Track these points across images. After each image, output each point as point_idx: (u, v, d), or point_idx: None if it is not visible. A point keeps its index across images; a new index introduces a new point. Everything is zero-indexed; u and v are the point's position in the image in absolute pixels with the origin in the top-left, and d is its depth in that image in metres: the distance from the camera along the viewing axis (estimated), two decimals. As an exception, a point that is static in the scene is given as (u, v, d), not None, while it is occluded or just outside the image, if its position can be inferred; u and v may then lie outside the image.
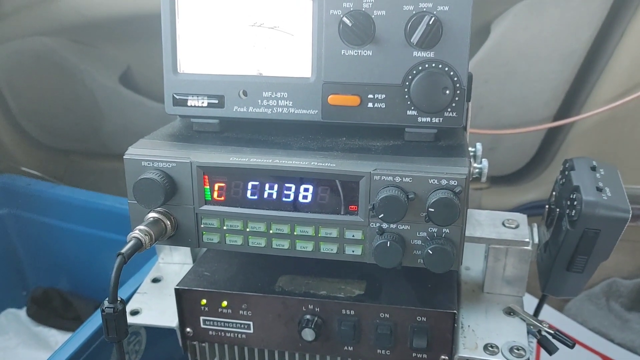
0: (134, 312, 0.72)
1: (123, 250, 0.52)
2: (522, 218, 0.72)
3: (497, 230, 0.69)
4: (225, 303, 0.66)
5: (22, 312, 1.09)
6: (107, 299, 0.52)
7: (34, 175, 1.07)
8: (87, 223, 1.03)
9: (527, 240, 0.68)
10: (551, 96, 1.04)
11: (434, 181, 0.51)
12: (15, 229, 1.08)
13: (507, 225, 0.70)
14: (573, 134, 1.07)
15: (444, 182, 0.51)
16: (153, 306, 0.74)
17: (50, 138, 1.34)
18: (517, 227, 0.70)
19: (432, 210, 0.50)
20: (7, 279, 1.10)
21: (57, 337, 1.04)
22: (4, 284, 1.10)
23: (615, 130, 1.04)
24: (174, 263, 0.81)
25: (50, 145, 1.35)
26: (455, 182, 0.51)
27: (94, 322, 0.77)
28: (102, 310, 0.51)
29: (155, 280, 0.78)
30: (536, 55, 1.00)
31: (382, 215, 0.51)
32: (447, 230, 0.53)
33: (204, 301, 0.67)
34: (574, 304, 1.15)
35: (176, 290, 0.68)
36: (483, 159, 0.66)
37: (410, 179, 0.52)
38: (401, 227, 0.53)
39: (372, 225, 0.54)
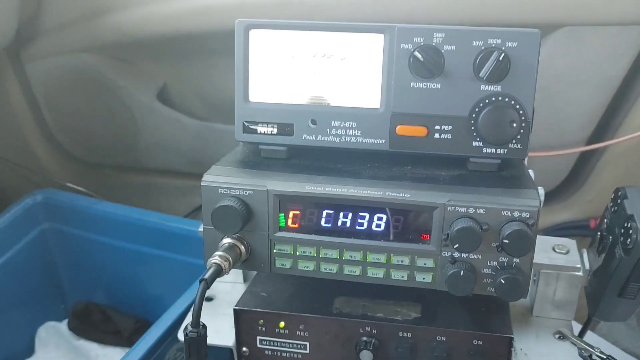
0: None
1: (206, 277, 0.54)
2: (571, 244, 0.74)
3: (548, 255, 0.71)
4: (282, 324, 0.68)
5: (62, 325, 1.10)
6: (189, 322, 0.53)
7: (78, 191, 1.08)
8: (128, 239, 1.05)
9: (579, 266, 0.69)
10: (586, 120, 1.06)
11: (506, 213, 0.53)
12: (56, 243, 1.09)
13: (557, 250, 0.72)
14: (606, 157, 1.08)
15: (516, 214, 0.53)
16: (208, 325, 0.75)
17: (85, 152, 1.36)
18: (567, 252, 0.72)
19: (507, 241, 0.52)
20: (48, 292, 1.11)
21: (97, 351, 1.05)
22: (45, 297, 1.11)
23: (649, 155, 1.06)
24: (226, 282, 0.82)
25: (84, 159, 1.37)
26: (527, 214, 0.53)
27: (147, 341, 0.78)
28: (186, 335, 0.53)
29: (208, 299, 0.80)
30: (573, 80, 1.02)
31: (457, 245, 0.53)
32: (518, 260, 0.54)
33: (261, 321, 0.68)
34: (605, 324, 1.17)
35: (235, 310, 0.69)
36: (539, 187, 0.68)
37: (483, 211, 0.53)
38: (473, 257, 0.55)
39: (444, 254, 0.56)
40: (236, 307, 0.69)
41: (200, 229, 0.69)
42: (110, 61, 1.21)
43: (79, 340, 1.07)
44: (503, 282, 0.53)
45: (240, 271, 0.81)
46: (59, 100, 1.28)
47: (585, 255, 0.73)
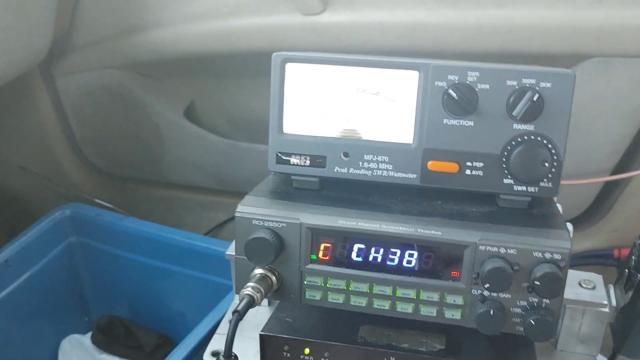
0: (215, 354, 0.74)
1: (239, 308, 0.55)
2: (598, 279, 0.73)
3: (574, 290, 0.71)
4: (307, 350, 0.68)
5: (86, 339, 1.12)
6: (222, 352, 0.54)
7: (105, 206, 1.10)
8: (153, 255, 1.06)
9: (605, 302, 0.69)
10: (611, 150, 1.06)
11: (538, 254, 0.54)
12: (82, 257, 1.11)
13: (584, 285, 0.72)
14: (631, 187, 1.08)
15: (548, 255, 0.53)
16: (233, 348, 0.76)
17: (111, 165, 1.38)
18: (594, 288, 0.72)
19: (538, 283, 0.52)
20: (72, 305, 1.13)
21: (119, 365, 1.07)
22: (69, 309, 1.13)
23: (675, 186, 1.05)
24: (251, 305, 0.83)
25: (110, 172, 1.39)
26: (559, 256, 0.53)
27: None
28: (218, 365, 0.54)
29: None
30: (600, 110, 1.02)
31: (487, 285, 0.53)
32: (548, 301, 0.55)
33: (286, 347, 0.69)
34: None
35: (261, 336, 0.70)
36: (568, 223, 0.68)
37: (514, 251, 0.54)
38: (503, 296, 0.55)
39: (473, 292, 0.56)
40: (262, 333, 0.70)
41: (229, 252, 0.70)
42: (139, 78, 1.23)
43: (102, 354, 1.09)
44: (533, 322, 0.54)
45: (264, 294, 0.82)
46: (88, 115, 1.30)
47: (612, 291, 0.72)
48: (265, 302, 0.82)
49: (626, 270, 0.74)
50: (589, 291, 0.71)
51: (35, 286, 1.04)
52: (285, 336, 0.69)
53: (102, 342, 1.09)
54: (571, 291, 0.71)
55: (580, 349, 0.72)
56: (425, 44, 1.00)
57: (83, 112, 1.30)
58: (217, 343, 0.76)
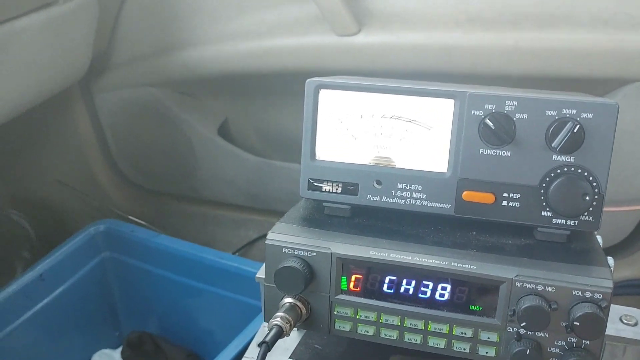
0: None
1: (267, 339, 0.54)
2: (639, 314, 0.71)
3: (615, 326, 0.68)
4: (335, 379, 0.67)
5: (116, 354, 1.13)
6: (250, 383, 0.54)
7: (139, 223, 1.11)
8: (184, 273, 1.07)
9: (648, 340, 0.66)
10: (655, 176, 1.02)
11: (577, 293, 0.52)
12: (115, 272, 1.12)
13: (625, 321, 0.69)
14: (675, 215, 1.04)
15: (588, 294, 0.51)
16: (261, 372, 0.75)
17: (145, 180, 1.40)
18: (635, 324, 0.69)
19: (577, 324, 0.50)
20: (104, 320, 1.14)
21: (148, 381, 1.07)
22: (100, 324, 1.14)
23: None
24: (279, 328, 0.82)
25: (144, 188, 1.41)
26: (600, 296, 0.51)
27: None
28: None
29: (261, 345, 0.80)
30: (642, 135, 0.99)
31: (524, 324, 0.51)
32: (588, 342, 0.52)
33: (314, 375, 0.68)
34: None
35: (290, 362, 0.69)
36: (608, 257, 0.66)
37: (553, 289, 0.52)
38: (540, 335, 0.53)
39: (509, 329, 0.54)
40: (291, 359, 0.69)
41: (259, 275, 0.70)
42: (175, 95, 1.25)
43: (131, 369, 1.10)
44: (571, 364, 0.52)
45: (293, 318, 0.81)
46: (124, 131, 1.32)
47: (654, 328, 0.69)
48: (294, 325, 0.82)
49: (670, 307, 0.71)
50: (630, 327, 0.68)
51: (68, 300, 1.05)
52: (313, 363, 0.68)
53: (131, 358, 1.10)
54: (612, 327, 0.68)
55: (621, 387, 0.69)
56: (461, 66, 0.99)
57: (120, 128, 1.32)
58: (245, 367, 0.76)
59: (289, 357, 0.69)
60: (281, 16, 1.06)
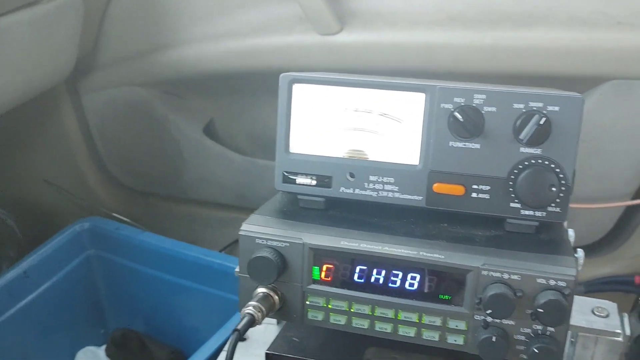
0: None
1: (239, 327, 0.55)
2: (612, 307, 0.71)
3: (587, 318, 0.69)
4: (312, 370, 0.68)
5: (101, 351, 1.13)
6: (221, 372, 0.54)
7: (123, 220, 1.12)
8: (169, 270, 1.07)
9: (619, 331, 0.67)
10: (633, 174, 1.04)
11: (542, 281, 0.53)
12: (100, 270, 1.13)
13: (596, 313, 0.70)
14: (654, 212, 1.06)
15: (552, 282, 0.52)
16: (239, 366, 0.76)
17: (133, 180, 1.41)
18: (607, 316, 0.70)
19: (541, 311, 0.51)
20: (89, 317, 1.15)
21: (132, 379, 1.08)
22: (86, 321, 1.14)
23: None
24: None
25: (132, 188, 1.41)
26: (564, 284, 0.52)
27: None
28: (216, 383, 0.54)
29: (242, 339, 0.81)
30: (620, 133, 1.00)
31: (490, 311, 0.52)
32: (553, 329, 0.53)
33: (292, 367, 0.69)
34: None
35: (267, 354, 0.70)
36: (579, 249, 0.67)
37: (518, 277, 0.53)
38: (506, 322, 0.54)
39: (476, 317, 0.55)
40: (268, 352, 0.70)
41: (237, 270, 0.70)
42: (162, 95, 1.26)
43: (116, 367, 1.10)
44: (536, 351, 0.53)
45: (274, 312, 0.82)
46: (112, 131, 1.33)
47: (626, 319, 0.70)
48: (274, 320, 0.83)
49: (638, 299, 0.72)
50: (602, 319, 0.69)
51: (52, 298, 1.06)
52: (291, 355, 0.69)
53: (116, 355, 1.10)
54: (584, 319, 0.69)
55: (593, 378, 0.70)
56: (442, 64, 1.00)
57: (107, 128, 1.33)
58: (224, 360, 0.76)
59: (267, 350, 0.70)
60: (265, 16, 1.08)
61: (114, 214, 1.12)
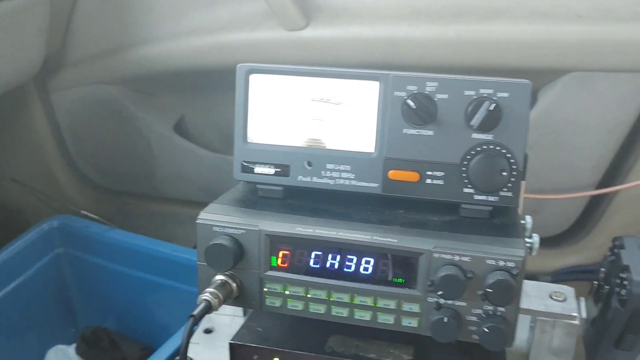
0: (176, 360, 0.75)
1: (195, 313, 0.55)
2: (569, 291, 0.73)
3: (545, 302, 0.71)
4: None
5: (71, 349, 1.12)
6: (177, 357, 0.55)
7: (92, 218, 1.12)
8: (139, 267, 1.07)
9: (575, 314, 0.69)
10: (596, 164, 1.06)
11: (491, 262, 0.54)
12: (69, 268, 1.13)
13: (554, 298, 0.72)
14: (616, 202, 1.08)
15: (501, 263, 0.54)
16: (205, 357, 0.77)
17: (104, 179, 1.40)
18: (564, 300, 0.71)
19: (490, 291, 0.52)
20: (59, 316, 1.14)
21: (103, 376, 1.07)
22: (56, 320, 1.14)
23: (660, 201, 1.05)
24: (225, 315, 0.84)
25: (103, 186, 1.41)
26: (512, 264, 0.53)
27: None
28: (172, 369, 0.54)
29: (207, 331, 0.81)
30: (583, 124, 1.02)
31: (441, 292, 0.53)
32: (503, 309, 0.55)
33: (255, 357, 0.69)
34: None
35: (230, 344, 0.70)
36: (534, 234, 0.68)
37: (468, 259, 0.54)
38: (458, 304, 0.55)
39: (429, 299, 0.56)
40: (231, 342, 0.70)
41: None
42: (131, 93, 1.26)
43: (86, 365, 1.10)
44: (487, 330, 0.54)
45: (240, 305, 0.83)
46: (82, 129, 1.33)
47: (583, 303, 0.72)
48: (240, 312, 0.83)
49: (595, 283, 0.73)
50: (559, 303, 0.71)
51: (22, 296, 1.05)
52: (254, 345, 0.69)
53: (86, 353, 1.10)
54: (542, 303, 0.71)
55: (553, 362, 0.72)
56: (408, 58, 1.01)
57: (77, 126, 1.32)
58: (190, 353, 0.76)
59: (230, 340, 0.70)
60: (232, 12, 1.08)
61: (83, 212, 1.11)
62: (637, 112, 1.00)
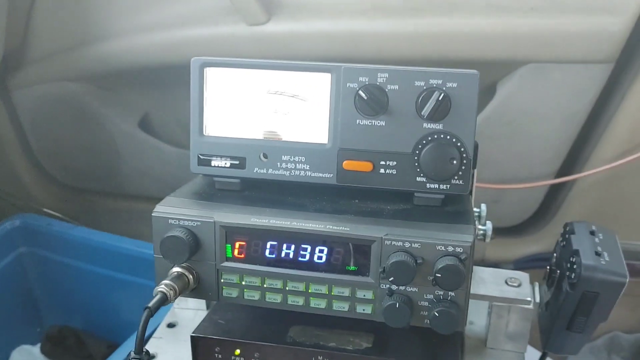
0: (151, 357, 0.75)
1: (150, 305, 0.56)
2: (524, 277, 0.75)
3: (500, 288, 0.72)
4: (238, 351, 0.69)
5: (36, 349, 1.11)
6: (133, 349, 0.55)
7: (54, 216, 1.11)
8: (103, 264, 1.07)
9: (529, 299, 0.71)
10: (554, 154, 1.08)
11: (440, 247, 0.55)
12: (33, 267, 1.12)
13: (509, 283, 0.73)
14: (575, 191, 1.10)
15: (450, 248, 0.55)
16: (168, 351, 0.77)
17: (69, 177, 1.39)
18: (519, 285, 0.73)
19: (439, 275, 0.54)
20: (23, 316, 1.13)
21: (69, 376, 1.07)
22: (20, 320, 1.13)
23: (616, 188, 1.07)
24: (189, 309, 0.84)
25: (67, 184, 1.39)
26: (460, 249, 0.55)
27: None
28: (128, 361, 0.54)
29: (171, 326, 0.81)
30: (540, 115, 1.04)
31: (392, 278, 0.54)
32: (453, 294, 0.56)
33: (217, 349, 0.70)
34: (576, 357, 1.17)
35: (192, 337, 0.70)
36: (487, 221, 0.70)
37: (418, 245, 0.55)
38: (409, 289, 0.57)
39: (382, 286, 0.57)
40: (193, 334, 0.70)
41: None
42: (94, 90, 1.25)
43: (52, 364, 1.09)
44: (437, 315, 0.55)
45: (203, 299, 0.83)
46: (45, 127, 1.31)
47: (537, 288, 0.74)
48: (204, 305, 0.83)
49: (548, 268, 0.76)
50: (514, 289, 0.73)
51: (-16, 296, 1.04)
52: (216, 337, 0.70)
53: (52, 352, 1.09)
54: (497, 289, 0.72)
55: (509, 346, 0.74)
56: (368, 52, 1.03)
57: (40, 124, 1.31)
58: (153, 347, 0.77)
59: (192, 333, 0.71)
60: (193, 7, 1.08)
61: (45, 210, 1.10)
62: (591, 102, 1.02)
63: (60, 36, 1.17)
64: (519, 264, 1.14)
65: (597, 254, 0.66)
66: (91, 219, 1.36)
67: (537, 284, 0.75)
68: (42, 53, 1.20)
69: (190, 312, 0.84)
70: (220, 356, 0.70)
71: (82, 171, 1.36)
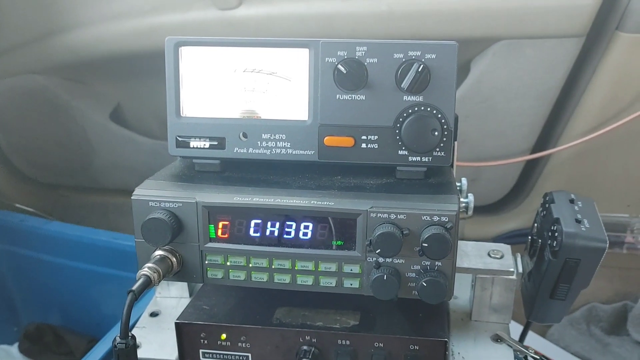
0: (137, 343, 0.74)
1: (134, 288, 0.55)
2: (506, 248, 0.76)
3: (483, 260, 0.73)
4: (224, 336, 0.68)
5: (14, 349, 1.09)
6: (118, 334, 0.54)
7: (27, 211, 1.08)
8: (80, 258, 1.04)
9: (512, 270, 0.71)
10: (529, 130, 1.09)
11: (426, 217, 0.55)
12: (7, 265, 1.09)
13: (492, 255, 0.74)
14: (550, 165, 1.12)
15: (435, 218, 0.55)
16: (152, 340, 0.75)
17: (40, 173, 1.36)
18: (502, 257, 0.74)
19: (426, 245, 0.54)
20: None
21: (49, 373, 1.05)
22: (-4, 320, 1.10)
23: (590, 161, 1.09)
24: (171, 297, 0.83)
25: (39, 180, 1.36)
26: (446, 218, 0.55)
27: (95, 356, 0.78)
28: (114, 346, 0.53)
29: (153, 315, 0.80)
30: (514, 91, 1.05)
31: (378, 250, 0.54)
32: (440, 264, 0.56)
33: (203, 334, 0.69)
34: (556, 330, 1.19)
35: (176, 324, 0.69)
36: (469, 194, 0.70)
37: (404, 216, 0.55)
38: (396, 261, 0.57)
39: (369, 259, 0.57)
40: (177, 321, 0.69)
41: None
42: (64, 82, 1.22)
43: (31, 362, 1.06)
44: (425, 284, 0.55)
45: (185, 286, 0.82)
46: (13, 122, 1.28)
47: (519, 259, 0.75)
48: (187, 293, 0.82)
49: (529, 238, 0.76)
50: (497, 260, 0.73)
51: (-43, 297, 1.01)
52: (200, 323, 0.69)
53: (30, 351, 1.07)
54: (480, 261, 0.73)
55: (494, 317, 0.74)
56: (342, 33, 1.02)
57: (8, 119, 1.28)
58: (136, 336, 0.75)
59: (176, 320, 0.70)
60: (163, -7, 1.06)
61: (18, 205, 1.07)
62: (564, 77, 1.04)
63: (25, 27, 1.14)
64: (498, 241, 1.15)
65: (578, 221, 0.67)
66: (65, 214, 1.33)
67: (519, 254, 0.76)
68: (7, 46, 1.17)
69: (173, 301, 0.83)
70: (206, 342, 0.69)
71: (54, 166, 1.33)
